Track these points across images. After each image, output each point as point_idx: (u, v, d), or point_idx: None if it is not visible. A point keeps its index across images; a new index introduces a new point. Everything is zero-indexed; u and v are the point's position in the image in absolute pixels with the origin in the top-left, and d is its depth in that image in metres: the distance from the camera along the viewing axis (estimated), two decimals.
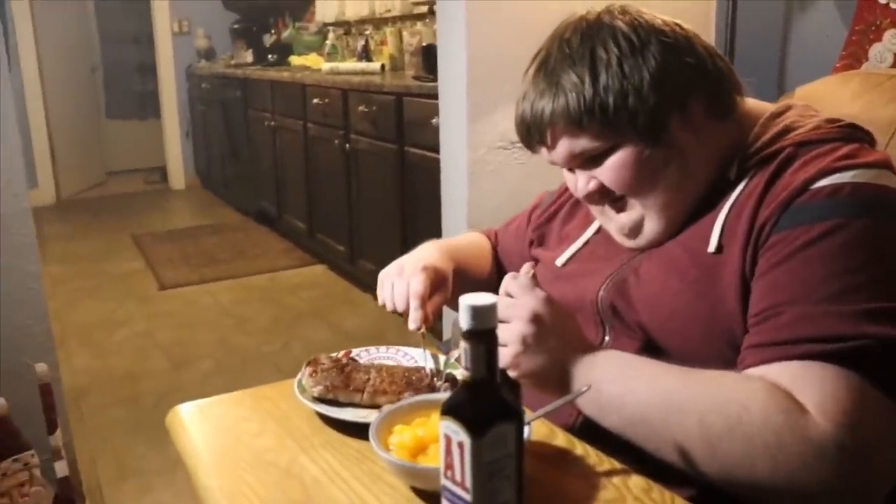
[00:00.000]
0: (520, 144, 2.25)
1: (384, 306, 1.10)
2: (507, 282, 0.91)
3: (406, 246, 3.95)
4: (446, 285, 1.11)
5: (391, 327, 3.28)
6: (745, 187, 0.92)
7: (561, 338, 0.87)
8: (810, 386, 0.75)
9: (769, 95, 1.09)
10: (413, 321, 1.04)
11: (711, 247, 0.90)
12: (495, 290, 0.91)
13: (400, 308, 1.07)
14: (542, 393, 0.88)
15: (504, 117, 2.19)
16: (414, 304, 1.04)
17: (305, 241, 4.47)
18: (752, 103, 1.01)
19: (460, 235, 1.42)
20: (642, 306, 0.95)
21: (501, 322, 0.86)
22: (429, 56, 3.08)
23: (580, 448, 0.87)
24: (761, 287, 0.84)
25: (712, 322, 0.88)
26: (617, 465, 0.83)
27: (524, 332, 0.86)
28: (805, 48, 2.28)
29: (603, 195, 0.98)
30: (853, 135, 0.93)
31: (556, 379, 0.87)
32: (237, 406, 1.02)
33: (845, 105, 1.34)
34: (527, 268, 0.92)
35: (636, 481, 0.80)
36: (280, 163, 4.64)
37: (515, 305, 0.87)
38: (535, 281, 0.90)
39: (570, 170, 1.00)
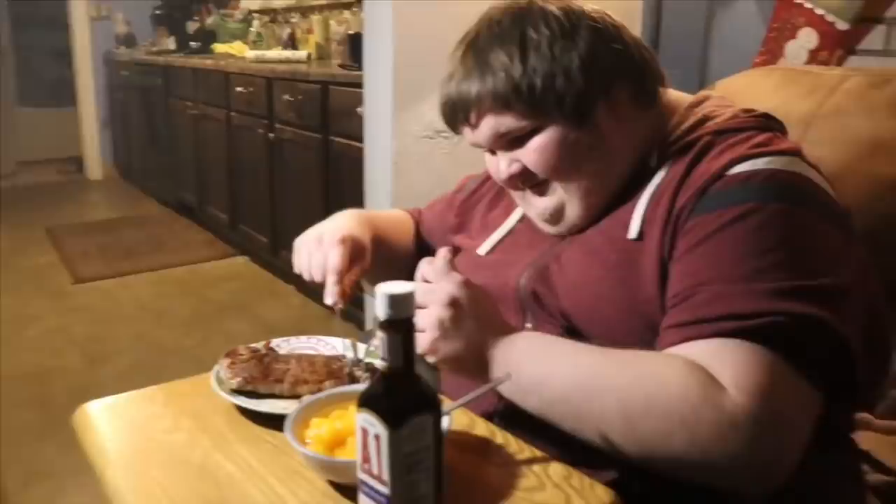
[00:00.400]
0: (445, 134, 2.24)
1: (300, 274, 1.07)
2: (424, 267, 0.89)
3: None
4: (365, 256, 1.09)
5: (315, 319, 3.23)
6: (665, 175, 0.93)
7: (479, 321, 0.86)
8: (726, 362, 0.76)
9: (691, 88, 1.10)
10: (329, 295, 1.02)
11: (632, 233, 0.91)
12: (415, 268, 0.90)
13: (317, 279, 1.05)
14: (462, 377, 0.88)
15: (430, 107, 2.17)
16: (331, 280, 1.02)
17: (227, 233, 4.37)
18: (672, 94, 1.02)
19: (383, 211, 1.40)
20: (564, 293, 0.95)
21: (418, 308, 0.84)
22: (355, 44, 3.03)
23: (500, 437, 0.86)
24: (678, 270, 0.85)
25: (633, 308, 0.88)
26: (537, 452, 0.83)
27: (441, 316, 0.84)
28: (726, 43, 2.33)
29: (524, 179, 0.97)
30: (767, 124, 0.95)
31: (475, 362, 0.86)
32: (149, 402, 0.98)
33: (765, 98, 1.37)
34: (443, 252, 0.90)
35: (556, 468, 0.80)
36: (202, 153, 4.52)
37: (433, 290, 0.86)
38: (451, 265, 0.89)
39: (493, 152, 1.00)
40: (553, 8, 0.94)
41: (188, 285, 3.83)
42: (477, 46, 0.95)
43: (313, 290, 4.03)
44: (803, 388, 0.77)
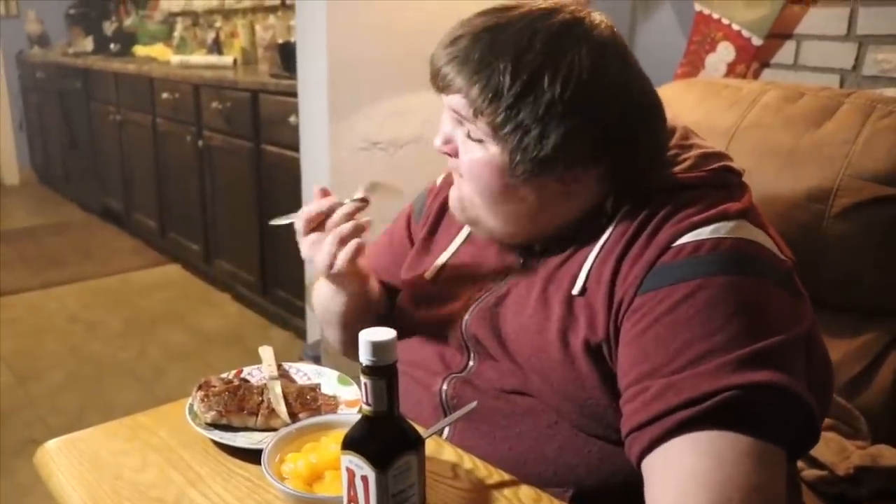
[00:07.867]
0: (382, 145, 2.25)
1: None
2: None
3: (264, 244, 3.81)
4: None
5: (250, 327, 3.22)
6: (617, 227, 0.90)
7: None
8: (698, 475, 0.74)
9: None
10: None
11: (576, 289, 0.90)
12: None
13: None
14: None
15: (364, 118, 2.20)
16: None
17: (157, 241, 4.30)
18: None
19: None
20: (511, 338, 0.95)
21: None
22: (285, 54, 3.03)
23: (468, 461, 0.89)
24: (630, 355, 0.83)
25: (567, 360, 0.89)
26: (505, 476, 0.86)
27: None
28: (648, 54, 2.42)
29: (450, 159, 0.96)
30: (724, 179, 0.92)
31: None
32: (112, 438, 0.97)
33: (689, 110, 1.43)
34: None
35: (526, 492, 0.83)
36: (127, 158, 4.42)
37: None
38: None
39: None
40: (587, 60, 0.85)
41: (120, 295, 3.76)
42: (496, 40, 0.86)
43: (249, 298, 3.90)
44: (772, 456, 0.76)
